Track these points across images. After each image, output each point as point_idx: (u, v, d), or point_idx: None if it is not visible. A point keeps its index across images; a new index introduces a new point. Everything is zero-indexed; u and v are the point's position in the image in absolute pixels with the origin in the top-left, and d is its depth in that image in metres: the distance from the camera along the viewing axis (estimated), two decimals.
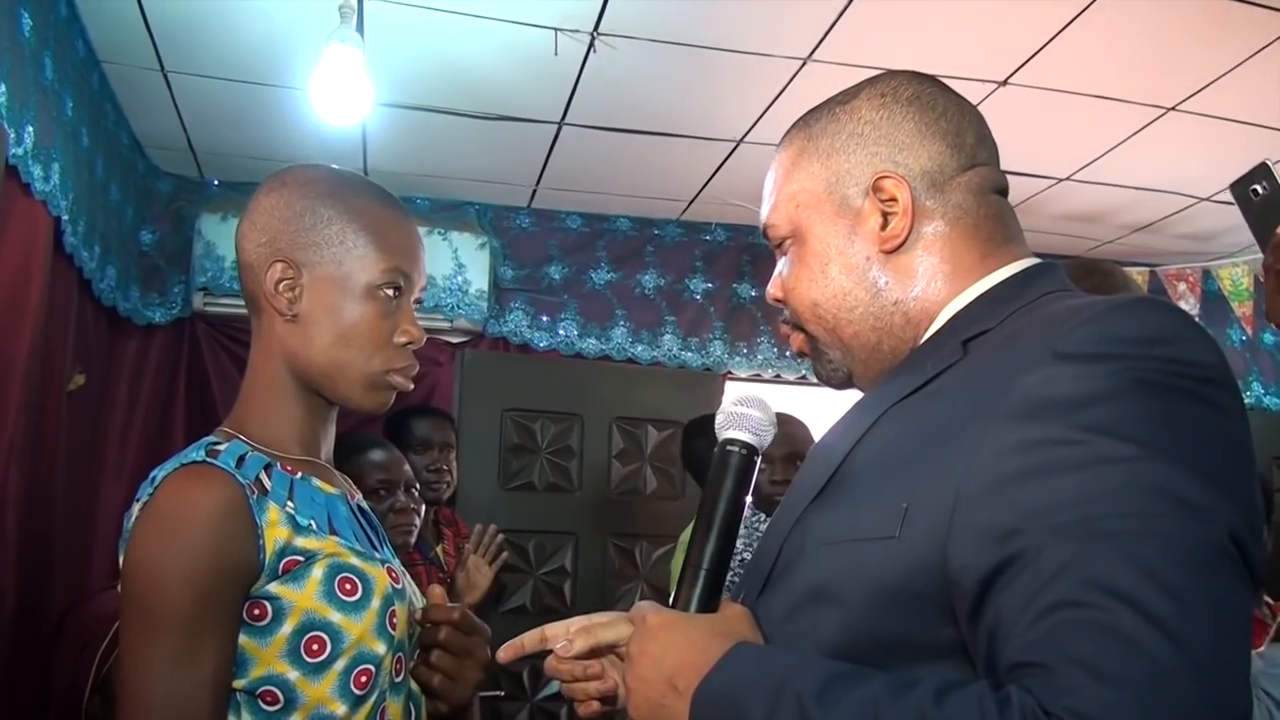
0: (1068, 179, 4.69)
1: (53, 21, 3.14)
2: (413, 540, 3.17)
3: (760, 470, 1.27)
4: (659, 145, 4.45)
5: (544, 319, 5.26)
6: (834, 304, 1.27)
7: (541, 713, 4.78)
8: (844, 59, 3.61)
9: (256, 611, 1.38)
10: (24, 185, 2.93)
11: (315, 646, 1.38)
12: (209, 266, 4.76)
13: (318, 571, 1.41)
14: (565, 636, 1.25)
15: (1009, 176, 1.31)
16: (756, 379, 5.56)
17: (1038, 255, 1.27)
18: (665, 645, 1.11)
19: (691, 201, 5.20)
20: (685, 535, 3.85)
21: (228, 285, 4.68)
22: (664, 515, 5.11)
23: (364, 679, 1.41)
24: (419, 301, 1.60)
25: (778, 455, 3.47)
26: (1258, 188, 1.66)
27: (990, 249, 1.24)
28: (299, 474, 1.50)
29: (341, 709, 1.39)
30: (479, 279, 5.09)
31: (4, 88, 2.70)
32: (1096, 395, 0.95)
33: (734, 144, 4.43)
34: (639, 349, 5.34)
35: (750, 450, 1.25)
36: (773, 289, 1.36)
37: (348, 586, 1.42)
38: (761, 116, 4.12)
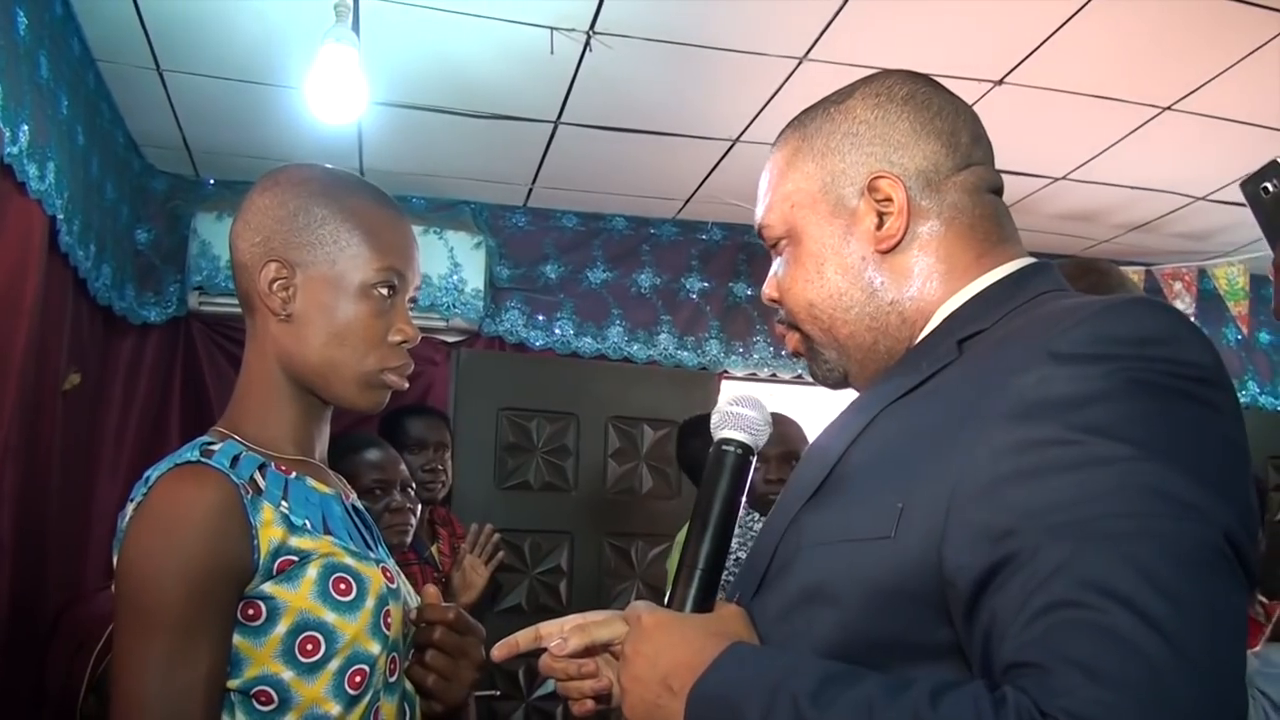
0: (1063, 178, 4.70)
1: (48, 20, 3.14)
2: (408, 540, 3.17)
3: (754, 470, 1.27)
4: (655, 144, 4.44)
5: (540, 318, 5.25)
6: (830, 304, 1.27)
7: (537, 712, 4.78)
8: (839, 58, 3.61)
9: (251, 611, 1.38)
10: (19, 184, 2.92)
11: (310, 646, 1.38)
12: (204, 266, 4.75)
13: (312, 571, 1.41)
14: (560, 635, 1.25)
15: (1004, 176, 1.31)
16: (752, 378, 5.56)
17: (1033, 254, 1.27)
18: (660, 645, 1.11)
19: (687, 201, 5.20)
20: (681, 535, 3.85)
21: (223, 284, 4.67)
22: (659, 514, 5.11)
23: (358, 679, 1.41)
24: (414, 300, 1.60)
25: (772, 454, 3.47)
26: (1269, 185, 1.66)
27: (986, 249, 1.24)
28: (293, 474, 1.50)
29: (336, 709, 1.39)
30: (474, 278, 5.09)
31: None
32: (1092, 396, 0.95)
33: (730, 143, 4.43)
34: (635, 348, 5.34)
35: (746, 450, 1.25)
36: (768, 289, 1.36)
37: (342, 586, 1.42)
38: (757, 116, 4.12)
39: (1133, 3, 3.23)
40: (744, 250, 5.55)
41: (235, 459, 1.43)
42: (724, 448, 1.25)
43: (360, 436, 3.32)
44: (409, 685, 1.55)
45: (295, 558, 1.40)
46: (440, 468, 3.81)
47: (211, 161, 4.75)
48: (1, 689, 3.15)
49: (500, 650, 1.33)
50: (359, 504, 1.67)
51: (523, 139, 4.42)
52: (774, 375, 5.58)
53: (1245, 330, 5.37)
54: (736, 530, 1.24)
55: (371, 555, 1.53)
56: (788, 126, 1.36)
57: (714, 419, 1.27)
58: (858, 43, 3.51)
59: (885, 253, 1.24)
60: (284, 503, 1.44)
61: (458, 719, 1.60)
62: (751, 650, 1.09)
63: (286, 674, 1.37)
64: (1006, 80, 3.77)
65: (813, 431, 3.46)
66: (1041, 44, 3.51)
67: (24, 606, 3.28)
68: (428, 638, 1.54)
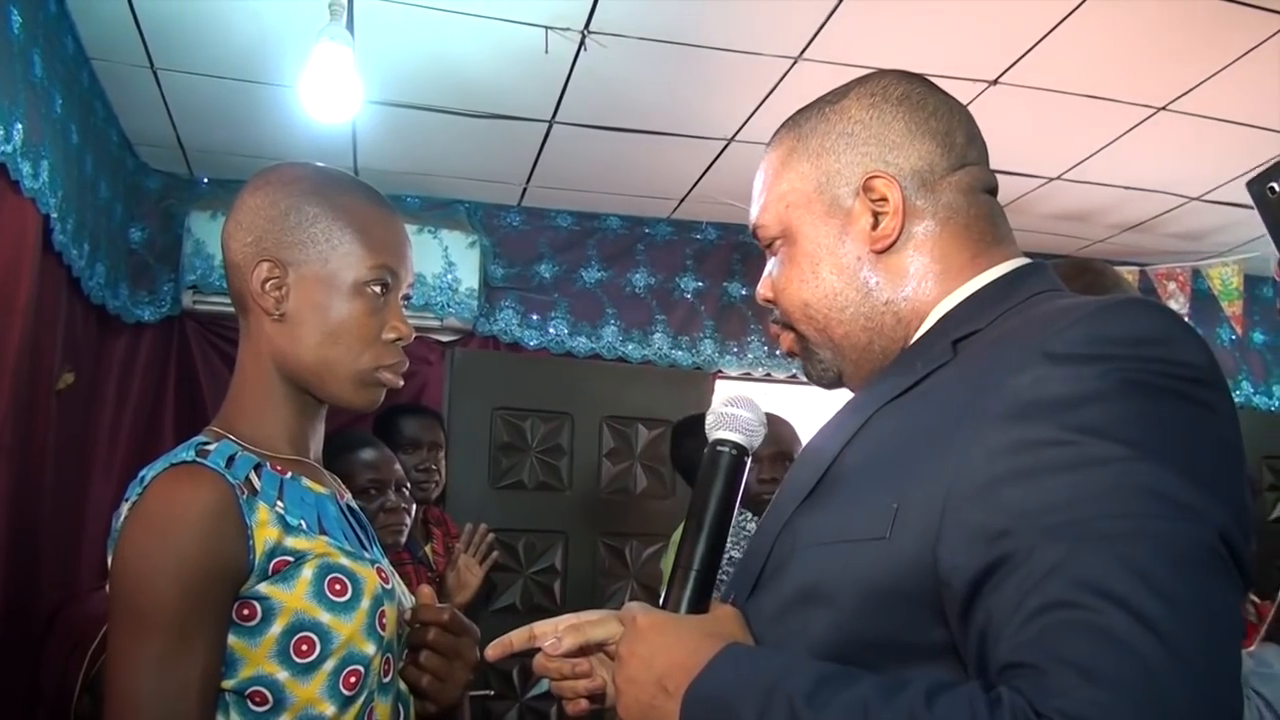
0: (1058, 178, 4.70)
1: (42, 19, 3.13)
2: (403, 540, 3.17)
3: (748, 470, 1.27)
4: (650, 144, 4.44)
5: (534, 317, 5.25)
6: (825, 304, 1.27)
7: (531, 712, 4.77)
8: (834, 58, 3.61)
9: (246, 612, 1.38)
10: (13, 183, 2.92)
11: (304, 647, 1.38)
12: (198, 265, 4.74)
13: (307, 572, 1.40)
14: (554, 634, 1.25)
15: (999, 176, 1.31)
16: (747, 378, 5.56)
17: (1028, 254, 1.27)
18: (655, 646, 1.11)
19: (682, 200, 5.20)
20: (676, 535, 3.84)
21: (217, 283, 4.66)
22: (654, 514, 5.10)
23: (353, 679, 1.41)
24: (407, 298, 1.60)
25: (765, 454, 3.48)
26: (1275, 185, 1.66)
27: (980, 249, 1.24)
28: (289, 474, 1.50)
29: (330, 709, 1.39)
30: (469, 277, 5.08)
31: None
32: (1087, 396, 0.95)
33: (725, 143, 4.43)
34: (629, 348, 5.33)
35: (740, 450, 1.25)
36: (763, 289, 1.36)
37: (337, 587, 1.42)
38: (752, 115, 4.12)
39: (1127, 3, 3.24)
40: (739, 250, 5.55)
41: (231, 459, 1.43)
42: (719, 448, 1.25)
43: (355, 435, 3.31)
44: (403, 685, 1.55)
45: (291, 558, 1.40)
46: (434, 467, 3.81)
47: (206, 160, 4.75)
48: None
49: (494, 650, 1.33)
50: (354, 504, 1.67)
51: (517, 138, 4.42)
52: (768, 375, 5.58)
53: (1239, 330, 5.38)
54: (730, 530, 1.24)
55: (366, 555, 1.53)
56: (782, 126, 1.36)
57: (709, 420, 1.27)
58: (852, 43, 3.51)
59: (880, 253, 1.24)
60: (279, 503, 1.44)
61: (453, 719, 1.60)
62: (747, 651, 1.09)
63: (281, 674, 1.37)
64: (1001, 80, 3.77)
65: (806, 432, 3.47)
66: (1036, 44, 3.51)
67: (18, 606, 3.28)
68: (422, 638, 1.54)
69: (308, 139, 4.17)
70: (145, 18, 3.44)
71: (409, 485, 3.27)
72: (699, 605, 1.20)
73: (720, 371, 5.50)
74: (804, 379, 1.44)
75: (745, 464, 1.26)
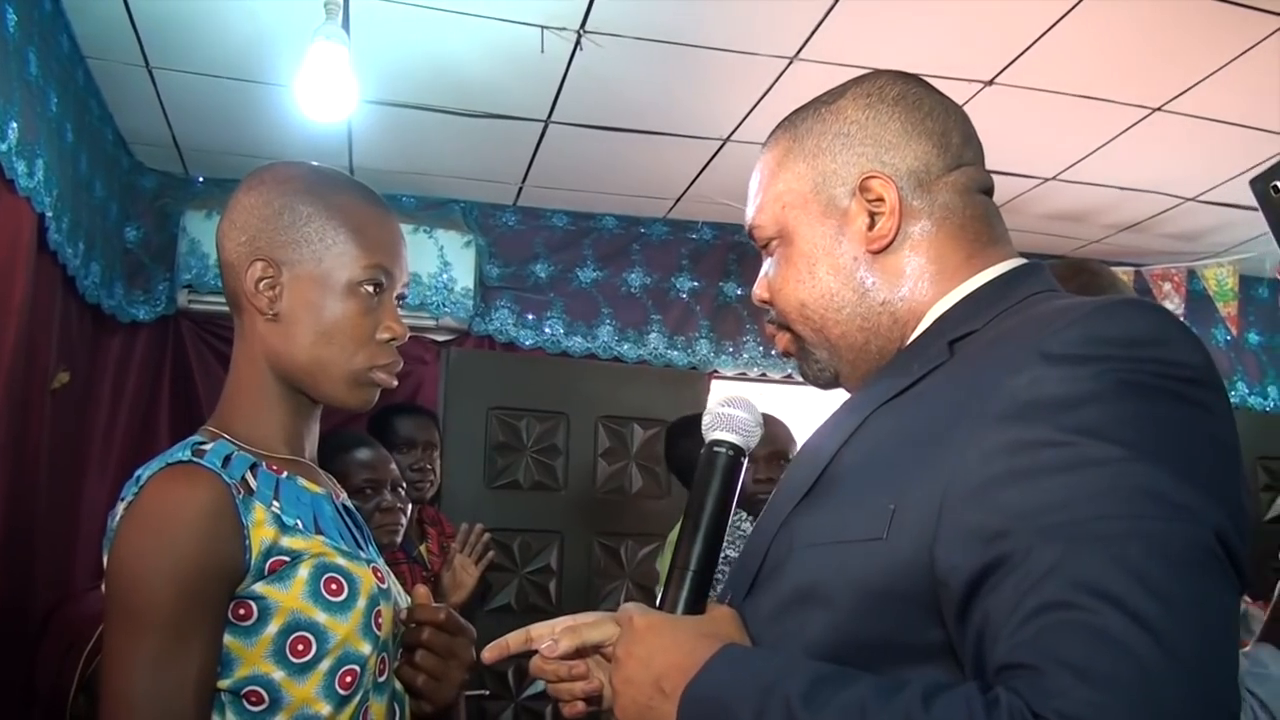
0: (1054, 179, 4.70)
1: (37, 17, 3.13)
2: (399, 540, 3.17)
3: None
4: (645, 144, 4.44)
5: (530, 317, 5.25)
6: (821, 304, 1.27)
7: (526, 712, 4.78)
8: (830, 58, 3.61)
9: (242, 611, 1.37)
10: (8, 182, 2.92)
11: (301, 647, 1.38)
12: (194, 264, 4.74)
13: (304, 571, 1.40)
14: (550, 636, 1.25)
15: (995, 176, 1.31)
16: (742, 378, 5.56)
17: (1024, 255, 1.27)
18: (652, 647, 1.11)
19: (678, 200, 5.20)
20: (673, 535, 3.85)
21: (212, 283, 4.66)
22: (649, 514, 5.11)
23: (349, 679, 1.41)
24: (402, 298, 1.60)
25: (761, 455, 3.47)
26: (1279, 183, 1.66)
27: (976, 249, 1.24)
28: (284, 473, 1.50)
29: (326, 709, 1.39)
30: (464, 277, 5.08)
31: None
32: (1083, 397, 0.95)
33: (720, 143, 4.43)
34: (625, 347, 5.33)
35: (737, 451, 1.25)
36: (759, 290, 1.36)
37: (333, 586, 1.42)
38: (748, 115, 4.12)
39: (1123, 4, 3.24)
40: (734, 250, 5.55)
41: (227, 459, 1.43)
42: (715, 449, 1.25)
43: (351, 435, 3.31)
44: (398, 685, 1.55)
45: (287, 558, 1.40)
46: (429, 467, 3.80)
47: (201, 159, 4.74)
48: None
49: (491, 652, 1.33)
50: (349, 503, 1.67)
51: (513, 138, 4.42)
52: (764, 375, 5.58)
53: (1234, 331, 5.39)
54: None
55: (362, 555, 1.53)
56: (778, 127, 1.36)
57: (705, 420, 1.27)
58: (848, 43, 3.51)
59: (877, 253, 1.24)
60: (275, 502, 1.43)
61: (448, 719, 1.60)
62: (744, 652, 1.09)
63: (277, 674, 1.37)
64: (997, 81, 3.77)
65: (801, 432, 3.47)
66: (1032, 45, 3.52)
67: (13, 606, 3.27)
68: (417, 638, 1.54)
69: (303, 138, 4.17)
70: (140, 16, 3.43)
71: (404, 485, 3.27)
72: (696, 606, 1.20)
73: (716, 371, 5.50)
74: (799, 379, 1.44)
75: (742, 464, 1.26)
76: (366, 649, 1.43)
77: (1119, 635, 0.83)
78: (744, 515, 3.50)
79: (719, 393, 5.02)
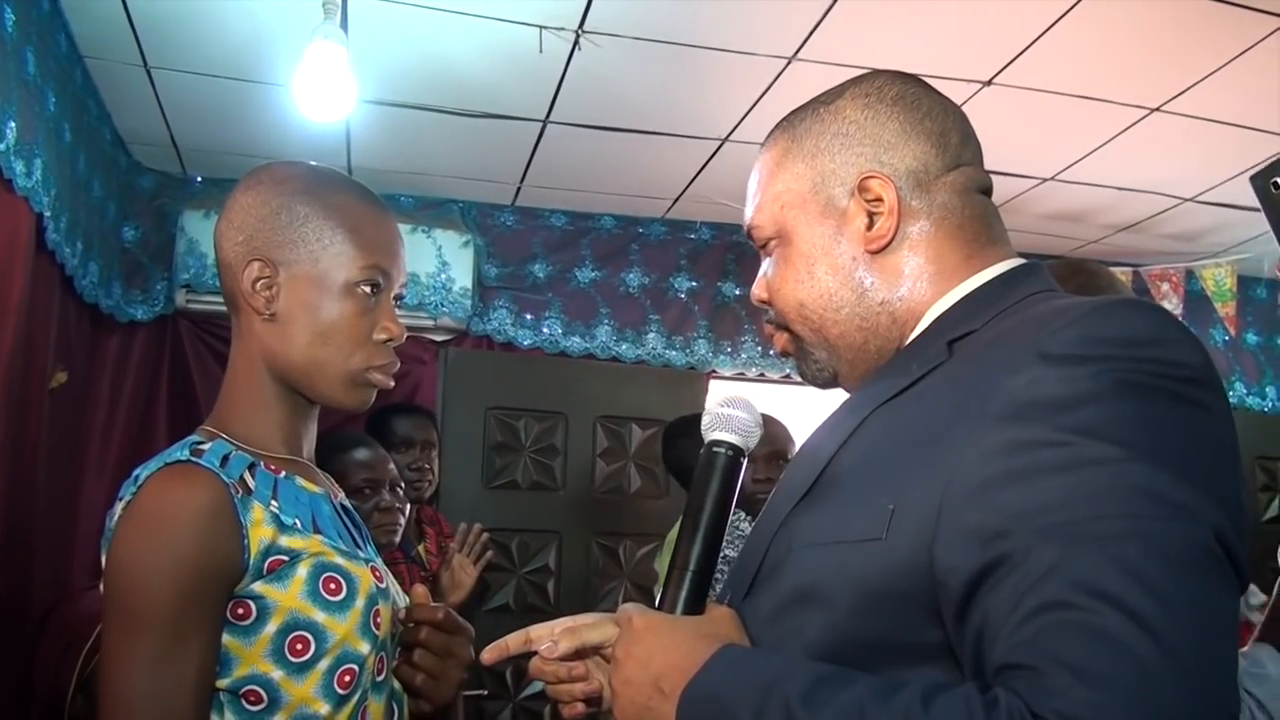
0: (1052, 179, 4.70)
1: (35, 16, 3.12)
2: (397, 540, 3.17)
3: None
4: (644, 143, 4.44)
5: (528, 317, 5.24)
6: (820, 304, 1.27)
7: (524, 712, 4.77)
8: (829, 58, 3.61)
9: (240, 611, 1.37)
10: (6, 181, 2.91)
11: (299, 646, 1.38)
12: (192, 263, 4.73)
13: (302, 571, 1.40)
14: (550, 637, 1.25)
15: (993, 176, 1.31)
16: (740, 378, 5.55)
17: (1022, 255, 1.27)
18: (651, 648, 1.11)
19: (676, 200, 5.20)
20: (671, 535, 3.85)
21: (210, 282, 4.65)
22: (648, 514, 5.10)
23: (347, 678, 1.41)
24: (400, 298, 1.59)
25: (760, 455, 3.47)
26: (1278, 180, 1.66)
27: (975, 249, 1.24)
28: (282, 473, 1.50)
29: (324, 708, 1.39)
30: (463, 277, 5.08)
31: None
32: (1081, 397, 0.95)
33: (719, 143, 4.43)
34: (623, 347, 5.33)
35: (736, 451, 1.25)
36: (758, 290, 1.36)
37: (332, 586, 1.42)
38: (746, 115, 4.12)
39: (1121, 5, 3.24)
40: (732, 250, 5.54)
41: (225, 458, 1.43)
42: (715, 449, 1.25)
43: (349, 435, 3.31)
44: (397, 684, 1.55)
45: (285, 557, 1.40)
46: (427, 466, 3.81)
47: (199, 159, 4.74)
48: None
49: (490, 654, 1.33)
50: (347, 503, 1.67)
51: (511, 138, 4.42)
52: (762, 375, 5.58)
53: (1232, 331, 5.39)
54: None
55: (361, 554, 1.53)
56: (777, 127, 1.36)
57: (704, 420, 1.27)
58: (847, 43, 3.51)
59: (875, 253, 1.24)
60: (274, 502, 1.43)
61: (446, 718, 1.60)
62: (743, 652, 1.09)
63: (276, 673, 1.37)
64: (995, 81, 3.77)
65: (799, 432, 3.47)
66: (1030, 45, 3.52)
67: (11, 606, 3.27)
68: (415, 637, 1.54)
69: (301, 138, 4.17)
70: (139, 16, 3.43)
71: (403, 485, 3.27)
72: (695, 606, 1.20)
73: (714, 371, 5.50)
74: (797, 379, 1.44)
75: (741, 465, 1.26)
76: (365, 648, 1.43)
77: (1118, 635, 0.83)
78: (743, 515, 3.50)
79: (717, 393, 5.02)
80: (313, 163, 1.62)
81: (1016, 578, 0.90)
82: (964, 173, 1.26)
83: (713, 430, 1.26)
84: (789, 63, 3.68)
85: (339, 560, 1.45)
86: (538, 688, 4.42)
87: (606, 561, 5.11)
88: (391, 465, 3.20)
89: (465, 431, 4.92)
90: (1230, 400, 1.42)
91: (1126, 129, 4.14)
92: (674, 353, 5.40)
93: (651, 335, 5.38)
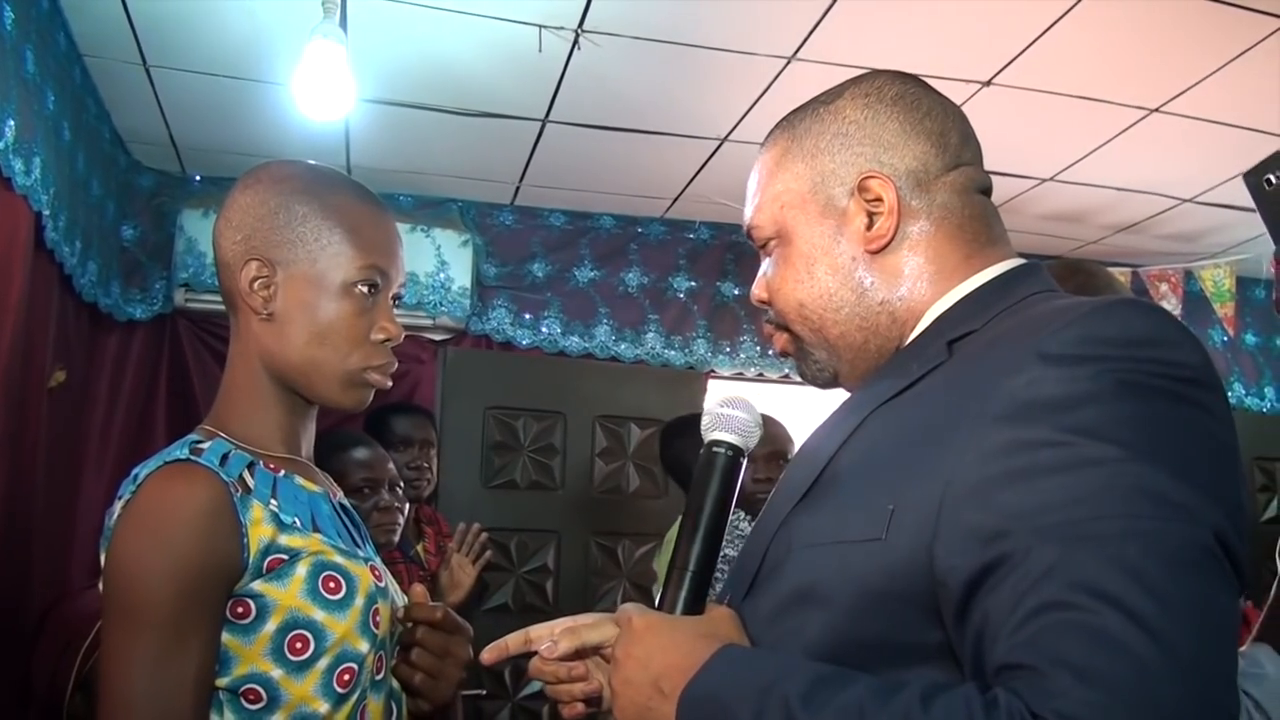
0: (1051, 179, 4.70)
1: (34, 15, 3.12)
2: (396, 539, 3.16)
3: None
4: (643, 143, 4.44)
5: (527, 317, 5.24)
6: (820, 304, 1.27)
7: (523, 711, 4.77)
8: (828, 58, 3.61)
9: (240, 610, 1.37)
10: (5, 180, 2.91)
11: (299, 645, 1.38)
12: (191, 263, 4.73)
13: (302, 569, 1.40)
14: (550, 638, 1.25)
15: (992, 177, 1.31)
16: (739, 377, 5.55)
17: (1021, 255, 1.27)
18: (651, 648, 1.11)
19: (675, 200, 5.20)
20: (671, 535, 3.85)
21: (209, 282, 4.64)
22: (647, 513, 5.10)
23: (346, 677, 1.41)
24: (398, 298, 1.59)
25: (759, 454, 3.47)
26: (1271, 177, 1.66)
27: (975, 249, 1.24)
28: (281, 472, 1.50)
29: (324, 707, 1.39)
30: (461, 276, 5.07)
31: None
32: (1081, 397, 0.95)
33: (718, 142, 4.42)
34: (622, 347, 5.33)
35: (736, 451, 1.25)
36: (757, 290, 1.36)
37: (331, 585, 1.42)
38: (746, 115, 4.12)
39: (1121, 5, 3.24)
40: (732, 250, 5.54)
41: (224, 457, 1.43)
42: (714, 449, 1.25)
43: (348, 434, 3.31)
44: (395, 683, 1.55)
45: (285, 556, 1.40)
46: (425, 465, 3.81)
47: (198, 158, 4.74)
48: None
49: (490, 654, 1.33)
50: (346, 502, 1.67)
51: (510, 137, 4.41)
52: (761, 375, 5.58)
53: (1231, 332, 5.39)
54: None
55: (360, 553, 1.53)
56: (776, 127, 1.36)
57: (704, 420, 1.27)
58: (846, 43, 3.51)
59: (875, 253, 1.24)
60: (273, 501, 1.43)
61: (445, 717, 1.60)
62: (743, 652, 1.09)
63: (275, 672, 1.37)
64: (995, 81, 3.77)
65: (799, 431, 3.46)
66: (1029, 45, 3.52)
67: (10, 605, 3.27)
68: (414, 636, 1.54)
69: (301, 137, 4.17)
70: (138, 14, 3.43)
71: (402, 484, 3.27)
72: (695, 606, 1.20)
73: (713, 371, 5.50)
74: (796, 379, 1.44)
75: (741, 465, 1.26)
76: (364, 647, 1.43)
77: (1117, 635, 0.83)
78: (743, 515, 3.50)
79: (716, 392, 5.02)
80: (311, 162, 1.62)
81: (1016, 578, 0.90)
82: (964, 173, 1.26)
83: (713, 430, 1.26)
84: (788, 63, 3.68)
85: (338, 559, 1.45)
86: (536, 687, 4.41)
87: (605, 561, 5.12)
88: (390, 465, 3.20)
89: (464, 431, 4.91)
90: (1229, 400, 1.43)
91: (1126, 129, 4.14)
92: (673, 352, 5.40)
93: (650, 335, 5.38)
